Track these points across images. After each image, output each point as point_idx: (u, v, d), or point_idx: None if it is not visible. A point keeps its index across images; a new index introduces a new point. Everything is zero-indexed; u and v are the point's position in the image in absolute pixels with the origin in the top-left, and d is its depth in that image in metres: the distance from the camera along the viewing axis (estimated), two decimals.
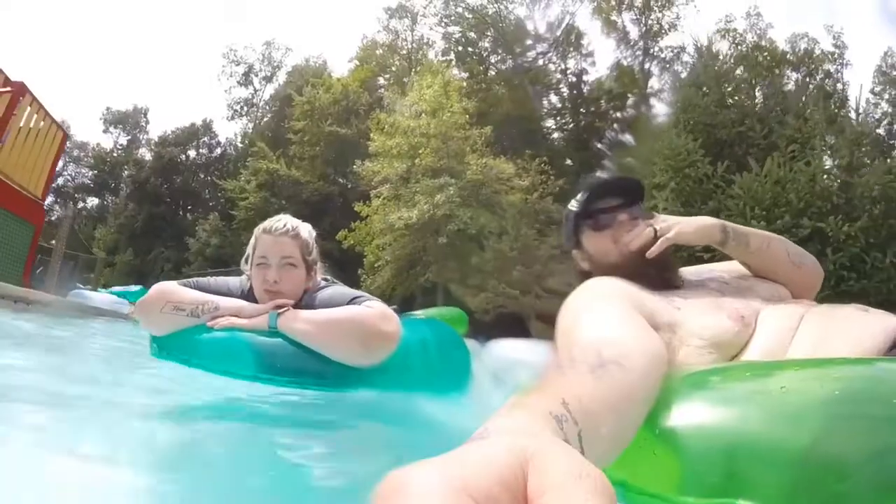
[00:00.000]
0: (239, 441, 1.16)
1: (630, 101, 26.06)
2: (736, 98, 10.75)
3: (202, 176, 31.66)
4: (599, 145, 24.56)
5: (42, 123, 6.51)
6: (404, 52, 28.38)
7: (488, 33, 27.43)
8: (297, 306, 1.58)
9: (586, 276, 1.14)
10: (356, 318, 1.50)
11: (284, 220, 1.68)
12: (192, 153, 32.16)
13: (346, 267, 17.77)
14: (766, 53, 23.71)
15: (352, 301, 1.59)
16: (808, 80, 23.54)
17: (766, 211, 7.74)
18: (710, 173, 8.62)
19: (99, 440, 1.00)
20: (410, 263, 15.16)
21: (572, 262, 1.28)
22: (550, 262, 12.08)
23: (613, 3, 26.27)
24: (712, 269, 1.19)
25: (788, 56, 23.89)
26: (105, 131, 35.18)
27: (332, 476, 0.98)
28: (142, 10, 50.10)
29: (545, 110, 26.75)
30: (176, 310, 1.56)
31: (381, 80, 27.98)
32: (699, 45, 11.43)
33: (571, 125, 26.66)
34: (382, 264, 15.49)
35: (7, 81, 6.02)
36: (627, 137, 24.43)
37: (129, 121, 34.94)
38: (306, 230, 1.71)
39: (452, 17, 27.53)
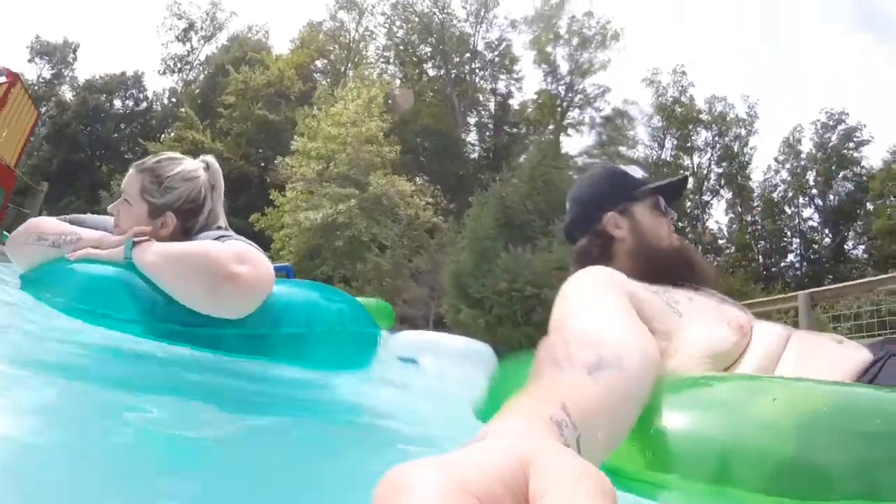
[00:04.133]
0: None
1: (548, 129, 30.12)
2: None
3: (123, 128, 33.32)
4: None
5: (22, 103, 9.02)
6: (345, 41, 31.38)
7: (430, 40, 30.86)
8: None
9: (607, 241, 1.21)
10: (204, 253, 1.28)
11: (157, 155, 1.59)
12: (117, 103, 33.76)
13: (259, 243, 20.97)
14: (682, 109, 28.28)
15: (220, 238, 1.42)
16: (716, 139, 28.69)
17: None
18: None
19: None
20: (310, 255, 18.53)
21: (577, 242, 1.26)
22: (409, 280, 16.12)
23: (551, 35, 30.14)
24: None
25: (702, 115, 28.82)
26: (30, 60, 34.70)
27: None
28: None
29: (467, 125, 30.49)
30: (39, 240, 1.53)
31: (318, 64, 31.04)
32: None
33: (489, 143, 30.61)
34: (286, 253, 18.78)
35: (9, 73, 8.64)
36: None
37: (57, 54, 35.03)
38: (172, 166, 1.53)
39: (400, 16, 30.79)
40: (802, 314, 5.49)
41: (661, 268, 1.11)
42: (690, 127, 28.87)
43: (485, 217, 15.25)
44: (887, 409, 0.62)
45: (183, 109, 28.30)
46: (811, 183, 26.61)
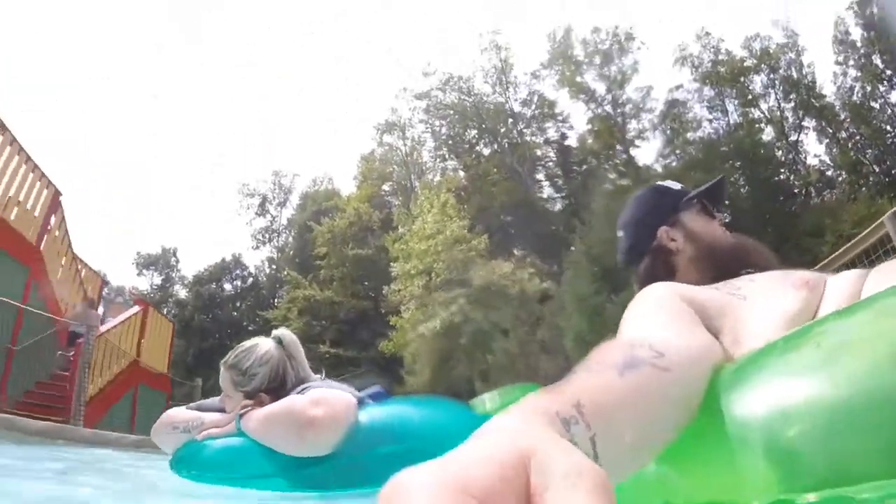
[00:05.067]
0: None
1: (615, 152, 30.71)
2: None
3: (239, 305, 37.12)
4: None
5: (158, 321, 10.92)
6: (399, 158, 34.06)
7: (471, 123, 32.83)
8: None
9: (669, 255, 1.23)
10: (286, 408, 1.67)
11: (235, 349, 1.98)
12: (227, 286, 37.84)
13: (391, 368, 22.82)
14: (724, 68, 27.48)
15: (302, 391, 1.77)
16: (771, 77, 26.96)
17: None
18: None
19: None
20: (443, 361, 19.89)
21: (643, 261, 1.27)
22: (540, 354, 17.16)
23: (573, 67, 31.21)
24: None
25: (747, 62, 27.41)
26: (139, 274, 39.87)
27: None
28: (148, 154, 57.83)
29: (538, 185, 31.68)
30: (174, 429, 2.02)
31: (385, 188, 33.77)
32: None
33: (565, 191, 31.47)
34: (420, 366, 20.31)
35: (138, 301, 10.66)
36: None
37: (160, 262, 40.30)
38: (249, 356, 1.93)
39: (435, 115, 33.14)
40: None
41: (726, 266, 1.11)
42: (742, 79, 27.48)
43: (580, 276, 16.57)
44: None
45: (285, 272, 31.49)
46: (880, 66, 23.90)
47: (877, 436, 0.44)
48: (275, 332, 2.05)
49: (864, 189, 23.68)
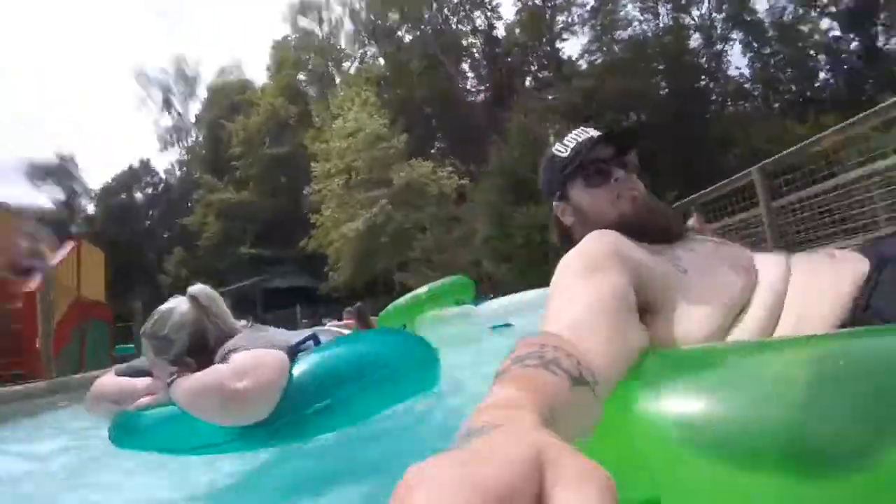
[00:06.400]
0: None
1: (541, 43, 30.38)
2: None
3: (152, 214, 35.91)
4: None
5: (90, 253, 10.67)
6: (315, 45, 32.66)
7: (392, 7, 31.39)
8: (208, 363, 1.71)
9: (566, 230, 1.19)
10: (209, 382, 1.60)
11: (152, 316, 1.94)
12: (137, 195, 36.33)
13: (313, 265, 23.30)
14: None
15: (224, 357, 1.70)
16: None
17: None
18: None
19: None
20: (365, 259, 20.36)
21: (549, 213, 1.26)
22: (456, 251, 18.53)
23: None
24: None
25: None
26: (36, 188, 35.92)
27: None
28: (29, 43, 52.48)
29: (463, 76, 31.17)
30: (103, 402, 2.11)
31: (301, 77, 32.51)
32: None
33: (489, 83, 31.14)
34: (343, 263, 20.76)
35: (70, 238, 10.35)
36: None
37: (59, 172, 36.22)
38: (164, 323, 1.88)
39: None
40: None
41: (628, 236, 1.03)
42: None
43: (492, 187, 18.41)
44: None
45: (198, 174, 30.49)
46: None
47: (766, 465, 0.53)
48: (189, 290, 1.95)
49: (777, 106, 25.08)
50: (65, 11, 52.05)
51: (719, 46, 27.46)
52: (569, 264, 0.92)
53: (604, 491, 0.28)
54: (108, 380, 2.22)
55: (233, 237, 26.91)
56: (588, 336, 0.70)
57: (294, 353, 1.79)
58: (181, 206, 33.06)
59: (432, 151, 22.94)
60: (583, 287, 0.84)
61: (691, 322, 0.87)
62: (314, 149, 22.29)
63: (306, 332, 1.96)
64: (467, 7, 31.93)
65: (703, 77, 26.77)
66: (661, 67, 26.04)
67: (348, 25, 32.74)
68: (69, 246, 9.00)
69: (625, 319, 0.80)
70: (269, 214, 27.13)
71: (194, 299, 1.92)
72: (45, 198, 35.78)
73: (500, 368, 0.57)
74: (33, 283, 7.05)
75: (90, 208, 36.33)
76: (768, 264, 0.95)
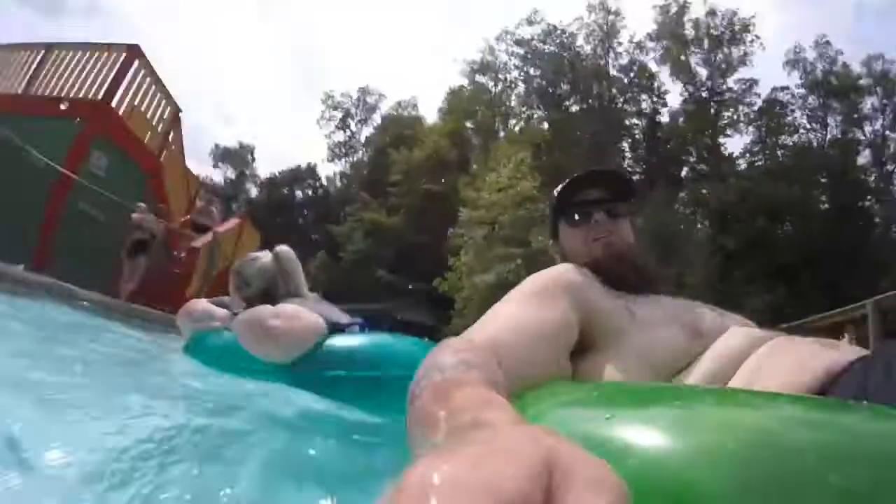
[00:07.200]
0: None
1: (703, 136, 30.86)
2: None
3: (307, 214, 39.72)
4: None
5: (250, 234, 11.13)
6: (487, 99, 35.32)
7: (566, 77, 33.35)
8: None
9: None
10: (252, 315, 1.93)
11: (244, 258, 2.34)
12: (298, 192, 40.48)
13: (440, 304, 25.01)
14: (837, 81, 26.94)
15: (277, 301, 2.05)
16: (884, 102, 26.84)
17: None
18: None
19: None
20: None
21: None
22: None
23: (680, 46, 31.18)
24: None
25: (862, 81, 27.24)
26: (215, 166, 42.49)
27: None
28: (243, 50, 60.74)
29: (621, 154, 32.22)
30: (190, 319, 2.41)
31: (468, 125, 35.18)
32: None
33: (644, 165, 31.98)
34: (469, 311, 22.28)
35: (240, 214, 11.57)
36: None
37: (237, 157, 42.94)
38: (249, 267, 2.26)
39: (530, 64, 33.81)
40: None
41: (604, 281, 1.04)
42: (852, 96, 27.21)
43: None
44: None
45: (354, 187, 33.63)
46: None
47: None
48: (276, 248, 2.27)
49: None
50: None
51: (890, 167, 26.50)
52: (522, 285, 1.01)
53: (616, 497, 0.28)
54: (197, 302, 2.62)
55: (372, 257, 29.24)
56: (504, 354, 0.75)
57: (339, 328, 1.99)
58: (334, 215, 36.16)
59: None
60: (518, 308, 0.91)
61: (619, 371, 0.87)
62: (466, 194, 24.31)
63: (357, 319, 2.16)
64: (635, 90, 33.33)
65: (868, 196, 25.83)
66: (823, 180, 25.57)
67: (520, 87, 35.04)
68: (236, 220, 9.95)
69: (546, 349, 0.85)
70: (411, 245, 29.28)
71: (277, 257, 2.25)
72: (219, 175, 41.75)
73: (433, 368, 0.62)
74: (200, 241, 7.90)
75: (253, 192, 40.95)
76: (739, 334, 0.88)
